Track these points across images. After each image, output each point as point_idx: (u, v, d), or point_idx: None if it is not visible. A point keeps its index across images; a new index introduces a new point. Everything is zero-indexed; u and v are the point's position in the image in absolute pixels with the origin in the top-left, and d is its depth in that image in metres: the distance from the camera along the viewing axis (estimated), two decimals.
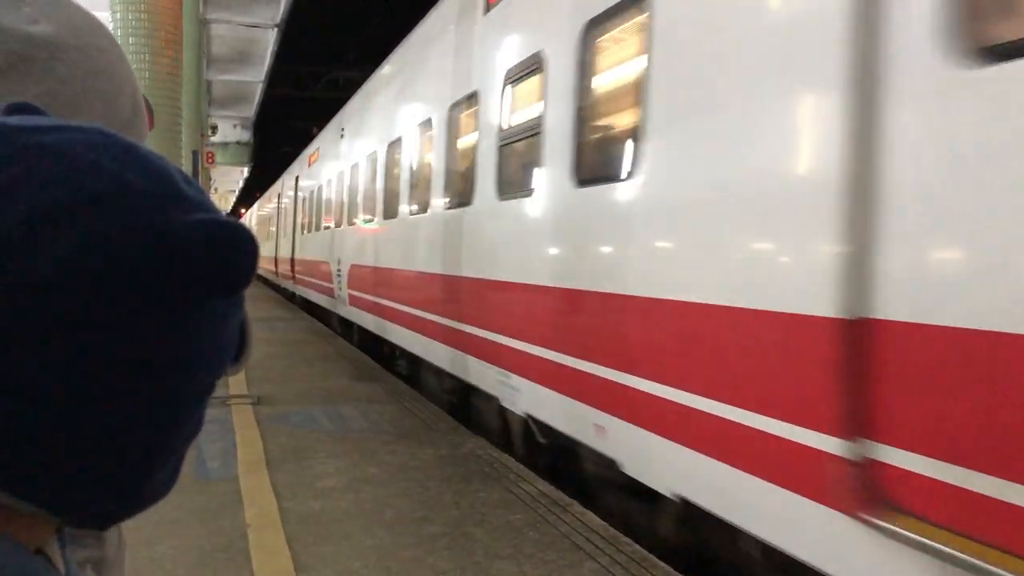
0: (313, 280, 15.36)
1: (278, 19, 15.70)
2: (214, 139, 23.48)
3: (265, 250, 26.42)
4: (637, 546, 3.87)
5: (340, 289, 11.89)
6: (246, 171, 35.80)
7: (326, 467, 5.14)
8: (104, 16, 6.26)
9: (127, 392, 0.43)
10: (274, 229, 25.59)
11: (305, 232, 17.12)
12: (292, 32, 18.24)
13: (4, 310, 0.39)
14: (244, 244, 0.44)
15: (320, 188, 15.15)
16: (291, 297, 20.81)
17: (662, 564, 3.66)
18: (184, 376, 0.45)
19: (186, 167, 8.34)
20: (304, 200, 17.79)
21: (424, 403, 7.37)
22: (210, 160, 17.57)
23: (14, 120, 0.45)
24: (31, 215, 0.40)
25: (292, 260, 19.18)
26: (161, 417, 0.45)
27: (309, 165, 17.48)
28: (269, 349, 10.71)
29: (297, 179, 19.75)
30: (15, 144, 0.42)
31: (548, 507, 4.41)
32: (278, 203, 25.12)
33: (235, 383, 8.02)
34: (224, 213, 0.47)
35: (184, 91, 7.09)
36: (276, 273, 24.05)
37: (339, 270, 11.95)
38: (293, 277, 19.04)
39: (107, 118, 0.63)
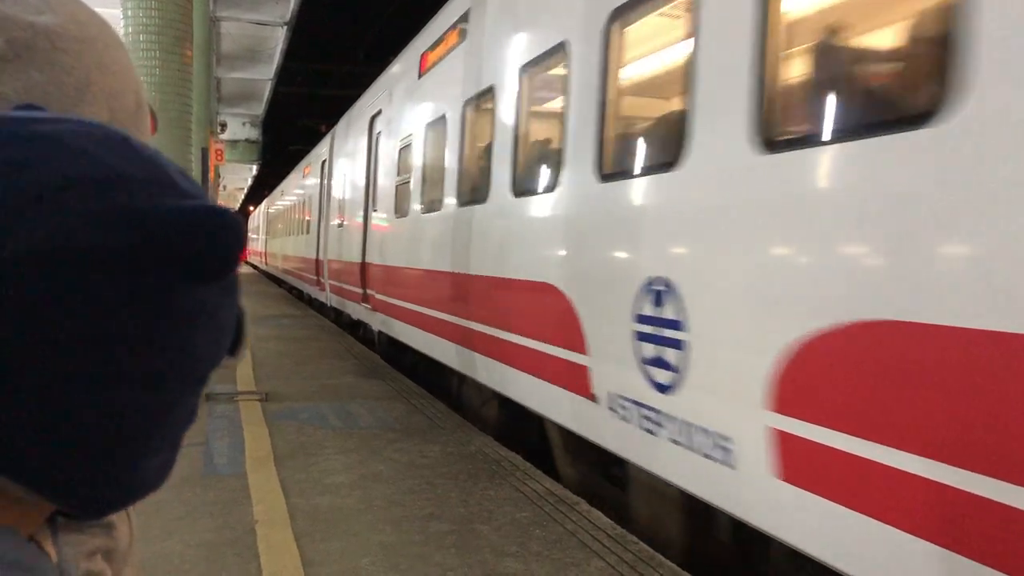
0: (456, 322, 6.53)
1: (288, 17, 15.76)
2: (223, 137, 23.59)
3: (294, 247, 21.07)
4: (644, 544, 3.87)
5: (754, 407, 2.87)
6: (255, 169, 35.97)
7: (334, 464, 5.16)
8: (115, 13, 6.29)
9: (115, 375, 0.43)
10: (314, 218, 16.94)
11: (413, 207, 8.23)
12: (301, 30, 18.28)
13: None
14: (231, 228, 0.45)
15: (502, 90, 5.69)
16: (350, 325, 12.98)
17: (669, 563, 3.66)
18: (175, 362, 0.45)
19: (195, 164, 8.35)
20: (406, 150, 8.75)
21: (431, 400, 7.38)
22: (219, 157, 17.56)
23: (14, 112, 0.47)
24: (19, 194, 0.41)
25: (363, 267, 10.72)
26: (150, 404, 0.45)
27: (420, 74, 8.36)
28: (277, 346, 10.74)
29: (374, 120, 10.75)
30: (10, 132, 0.44)
31: (555, 505, 4.41)
32: (322, 175, 15.96)
33: (243, 379, 8.06)
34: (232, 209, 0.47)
35: (194, 88, 7.11)
36: (319, 284, 15.59)
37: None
38: (364, 297, 10.67)
39: (111, 112, 0.64)
